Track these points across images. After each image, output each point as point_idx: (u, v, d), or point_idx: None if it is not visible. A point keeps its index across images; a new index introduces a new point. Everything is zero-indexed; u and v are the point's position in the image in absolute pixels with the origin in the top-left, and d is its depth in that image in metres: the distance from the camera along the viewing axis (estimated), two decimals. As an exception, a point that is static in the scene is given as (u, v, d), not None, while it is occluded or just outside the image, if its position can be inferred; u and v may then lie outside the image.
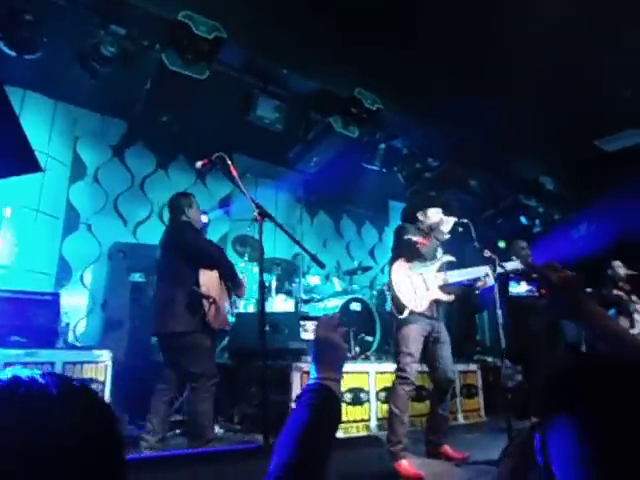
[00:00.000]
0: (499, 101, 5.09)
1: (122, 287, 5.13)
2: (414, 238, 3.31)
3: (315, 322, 4.32)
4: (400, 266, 3.29)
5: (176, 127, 4.84)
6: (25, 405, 0.53)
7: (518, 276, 3.12)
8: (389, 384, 4.41)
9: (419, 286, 3.27)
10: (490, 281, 3.20)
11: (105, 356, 3.83)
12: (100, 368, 3.78)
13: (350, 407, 4.16)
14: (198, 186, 6.41)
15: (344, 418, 4.09)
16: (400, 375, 3.23)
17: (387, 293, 3.35)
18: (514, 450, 1.02)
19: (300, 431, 0.87)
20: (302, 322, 4.30)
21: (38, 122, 4.90)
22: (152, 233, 5.84)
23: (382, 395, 4.37)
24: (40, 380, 0.55)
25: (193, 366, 3.17)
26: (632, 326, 4.71)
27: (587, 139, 6.19)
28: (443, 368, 3.30)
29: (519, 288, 3.14)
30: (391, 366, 4.54)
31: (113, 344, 4.40)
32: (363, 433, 4.12)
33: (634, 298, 4.89)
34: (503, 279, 3.10)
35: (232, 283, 3.51)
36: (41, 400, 0.54)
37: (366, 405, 4.26)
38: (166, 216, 5.94)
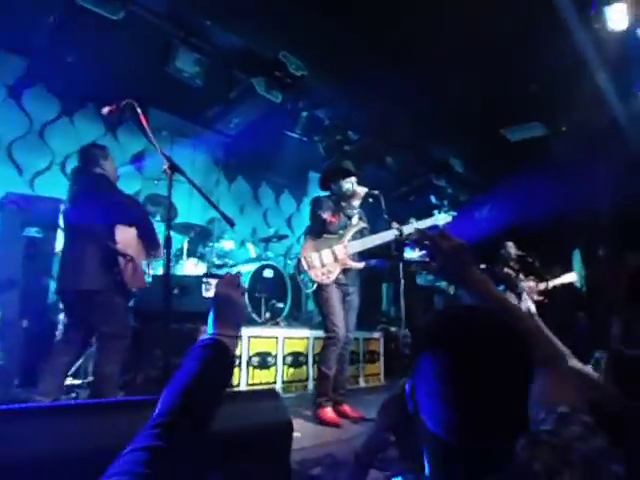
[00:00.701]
0: (420, 82, 5.25)
1: (15, 242, 4.70)
2: (324, 215, 3.49)
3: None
4: (308, 245, 3.56)
5: (84, 71, 4.44)
6: None
7: (412, 242, 3.31)
8: (297, 349, 4.59)
9: (328, 259, 3.48)
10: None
11: (-7, 315, 3.52)
12: (-13, 327, 3.48)
13: (257, 370, 4.23)
14: (108, 139, 5.96)
15: (250, 381, 4.16)
16: (329, 336, 3.47)
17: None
18: (388, 404, 1.10)
19: (187, 382, 0.86)
20: (205, 280, 4.26)
21: None
22: (52, 185, 5.37)
23: (289, 359, 4.50)
24: None
25: (104, 325, 3.02)
26: (519, 301, 5.21)
27: (495, 127, 6.62)
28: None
29: (413, 254, 3.37)
30: (298, 332, 4.73)
31: (3, 303, 4.06)
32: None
33: (521, 276, 5.41)
34: (399, 245, 3.31)
35: (150, 242, 3.33)
36: None
37: (272, 369, 4.35)
38: (69, 168, 5.51)
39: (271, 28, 4.45)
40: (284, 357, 4.47)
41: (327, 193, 3.72)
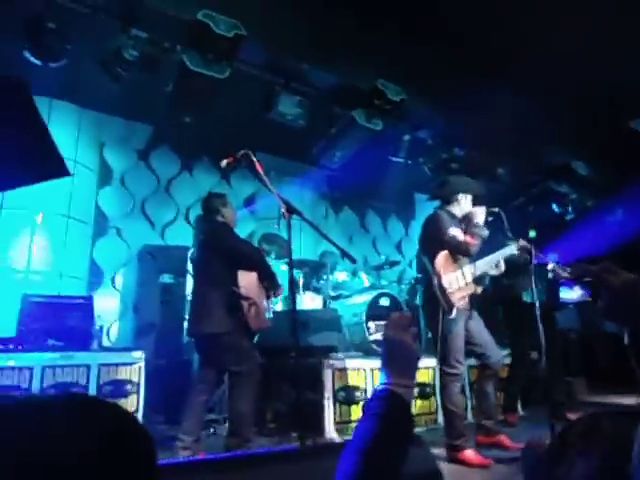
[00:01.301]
0: (525, 85, 4.93)
1: (152, 289, 5.21)
2: (456, 234, 3.16)
3: (382, 322, 4.31)
4: (446, 261, 3.13)
5: (199, 128, 4.86)
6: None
7: (571, 280, 2.98)
8: (423, 379, 4.38)
9: (461, 282, 3.18)
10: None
11: (139, 357, 3.87)
12: (134, 369, 3.83)
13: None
14: (222, 186, 6.43)
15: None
16: (450, 372, 3.20)
17: (419, 287, 3.26)
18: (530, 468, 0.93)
19: (366, 443, 0.81)
20: (367, 324, 4.26)
21: (65, 129, 4.98)
22: (179, 235, 5.90)
23: (415, 391, 4.31)
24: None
25: (234, 365, 3.17)
26: None
27: (620, 121, 5.96)
28: (489, 353, 3.30)
29: (572, 294, 2.98)
30: (422, 361, 4.51)
31: (145, 345, 4.46)
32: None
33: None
34: (553, 285, 2.95)
35: (270, 283, 3.49)
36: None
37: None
38: (192, 217, 6.02)
39: (365, 60, 4.50)
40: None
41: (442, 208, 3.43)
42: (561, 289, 3.00)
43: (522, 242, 3.06)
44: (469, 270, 3.21)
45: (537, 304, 2.93)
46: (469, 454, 3.03)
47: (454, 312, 3.05)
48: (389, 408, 0.86)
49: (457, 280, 3.12)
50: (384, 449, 0.81)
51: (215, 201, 3.52)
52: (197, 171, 6.37)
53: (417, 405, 4.28)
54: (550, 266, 2.95)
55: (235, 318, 3.15)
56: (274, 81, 4.56)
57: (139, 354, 3.89)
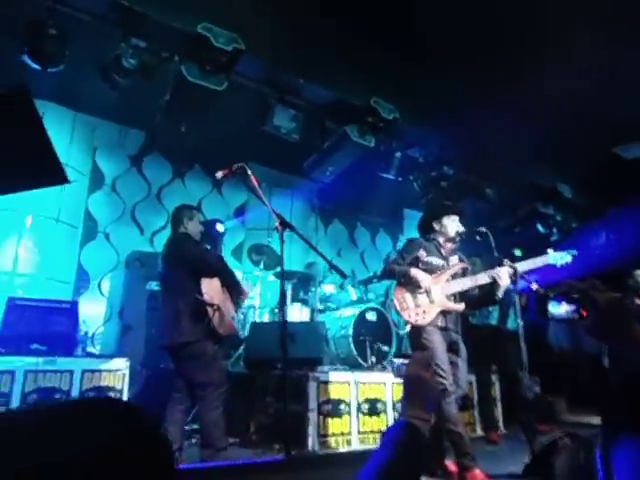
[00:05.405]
0: (515, 109, 5.06)
1: (139, 295, 5.18)
2: (418, 254, 3.31)
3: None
4: (401, 285, 3.29)
5: (193, 137, 4.89)
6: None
7: (560, 296, 3.05)
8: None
9: (423, 300, 3.22)
10: (505, 282, 3.15)
11: (123, 364, 3.85)
12: (118, 376, 3.81)
13: (367, 418, 4.13)
14: (214, 195, 6.46)
15: (361, 429, 4.06)
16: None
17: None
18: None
19: (382, 467, 0.87)
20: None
21: (58, 133, 4.98)
22: (168, 242, 5.90)
23: (399, 406, 4.33)
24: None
25: (200, 375, 3.18)
26: None
27: (605, 147, 6.13)
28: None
29: (560, 309, 3.06)
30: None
31: (130, 352, 4.43)
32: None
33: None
34: (542, 299, 3.02)
35: (233, 289, 3.53)
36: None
37: (382, 416, 4.22)
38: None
39: (361, 77, 4.60)
40: (394, 403, 4.32)
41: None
42: (550, 303, 3.07)
43: (507, 262, 3.12)
44: (439, 287, 3.25)
45: (521, 329, 2.98)
46: (476, 475, 2.92)
47: (407, 327, 3.24)
48: (405, 437, 0.93)
49: (415, 298, 3.22)
50: (399, 474, 0.86)
51: (182, 212, 3.57)
52: (189, 179, 6.38)
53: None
54: (534, 287, 3.02)
55: (202, 325, 3.19)
56: (270, 94, 4.62)
57: (123, 361, 3.87)
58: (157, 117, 4.65)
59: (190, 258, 3.32)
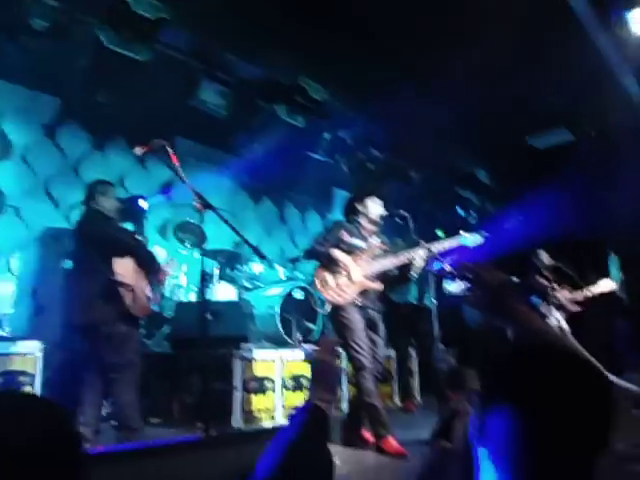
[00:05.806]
0: (439, 95, 5.25)
1: (53, 274, 4.87)
2: (339, 234, 3.43)
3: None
4: (322, 264, 3.43)
5: (115, 108, 4.63)
6: None
7: (453, 274, 3.26)
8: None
9: (342, 279, 3.34)
10: (419, 263, 3.31)
11: (34, 347, 3.64)
12: (29, 360, 3.60)
13: (291, 393, 4.23)
14: (138, 169, 6.16)
15: (285, 404, 4.16)
16: (354, 365, 3.24)
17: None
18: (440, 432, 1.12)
19: (285, 445, 0.94)
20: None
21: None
22: (87, 218, 5.58)
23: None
24: None
25: (112, 356, 3.11)
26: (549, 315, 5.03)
27: (520, 136, 6.55)
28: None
29: (454, 286, 3.29)
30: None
31: (43, 334, 4.20)
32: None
33: (555, 286, 5.26)
34: (437, 277, 3.23)
35: (149, 268, 3.41)
36: None
37: (307, 391, 4.34)
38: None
39: (289, 55, 4.55)
40: (318, 379, 4.45)
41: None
42: (445, 282, 3.34)
43: (424, 244, 3.29)
44: (355, 268, 3.36)
45: (434, 308, 3.19)
46: (390, 441, 3.08)
47: (327, 307, 3.34)
48: (309, 418, 1.03)
49: (335, 277, 3.35)
50: (300, 450, 0.96)
51: (94, 188, 3.38)
52: (110, 152, 6.03)
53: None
54: (448, 268, 3.23)
55: (114, 306, 3.10)
56: (197, 68, 4.47)
57: (35, 344, 3.66)
58: (73, 83, 4.34)
59: (100, 237, 3.18)
